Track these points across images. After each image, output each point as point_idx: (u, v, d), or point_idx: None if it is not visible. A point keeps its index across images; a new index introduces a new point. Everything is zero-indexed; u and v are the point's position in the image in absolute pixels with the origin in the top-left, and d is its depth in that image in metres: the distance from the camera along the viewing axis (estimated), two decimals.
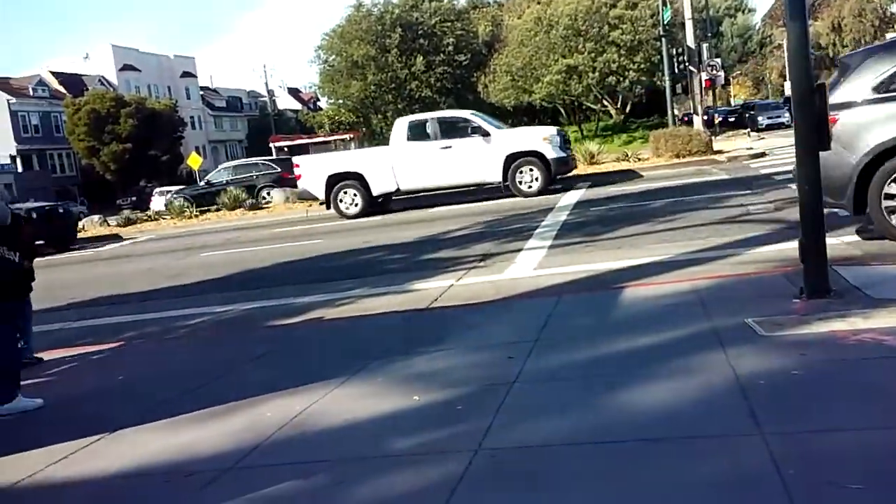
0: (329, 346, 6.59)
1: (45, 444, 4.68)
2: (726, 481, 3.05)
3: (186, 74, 79.78)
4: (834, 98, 7.00)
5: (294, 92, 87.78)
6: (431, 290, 8.74)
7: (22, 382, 5.78)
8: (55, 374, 6.78)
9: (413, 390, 4.77)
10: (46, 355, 7.29)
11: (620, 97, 40.87)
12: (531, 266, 9.44)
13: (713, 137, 25.93)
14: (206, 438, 4.45)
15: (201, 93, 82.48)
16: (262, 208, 24.99)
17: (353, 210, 18.85)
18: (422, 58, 44.05)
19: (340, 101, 47.89)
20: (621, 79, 37.79)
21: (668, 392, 4.11)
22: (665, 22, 28.67)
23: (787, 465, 3.05)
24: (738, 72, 68.20)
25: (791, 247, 7.71)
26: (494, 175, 18.04)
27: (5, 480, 4.19)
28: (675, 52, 28.35)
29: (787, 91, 55.31)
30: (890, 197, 7.24)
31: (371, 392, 4.92)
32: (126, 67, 72.20)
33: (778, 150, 23.20)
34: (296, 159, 20.76)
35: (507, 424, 3.98)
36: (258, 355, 6.39)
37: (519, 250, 10.62)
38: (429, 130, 18.22)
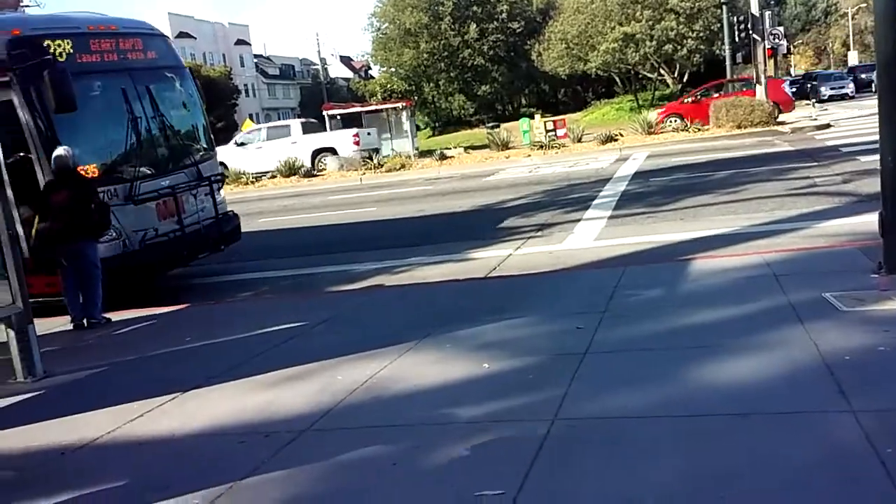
0: (392, 312, 6.59)
1: (121, 403, 4.78)
2: (823, 459, 2.97)
3: (240, 42, 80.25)
4: None
5: (346, 60, 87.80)
6: (489, 259, 8.70)
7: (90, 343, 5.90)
8: (124, 334, 6.92)
9: (482, 358, 4.74)
10: (113, 315, 7.45)
11: (678, 66, 39.96)
12: (591, 236, 9.33)
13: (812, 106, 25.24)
14: (278, 400, 4.50)
15: (255, 60, 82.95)
16: (316, 176, 25.11)
17: None
18: (475, 25, 43.59)
19: (393, 70, 47.77)
20: (679, 47, 36.94)
21: (749, 366, 4.02)
22: None
23: (883, 443, 2.95)
24: (800, 41, 66.10)
25: (862, 220, 7.50)
26: None
27: (84, 437, 4.30)
28: (735, 20, 27.55)
29: (852, 61, 53.11)
30: None
31: (439, 359, 4.91)
32: (182, 35, 72.80)
33: (843, 121, 22.47)
34: None
35: (584, 394, 3.93)
36: (323, 320, 6.44)
37: (577, 220, 10.50)
38: None
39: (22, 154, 7.54)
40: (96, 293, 7.25)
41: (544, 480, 3.09)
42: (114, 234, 7.81)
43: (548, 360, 4.60)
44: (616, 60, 38.41)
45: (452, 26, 43.87)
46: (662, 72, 40.63)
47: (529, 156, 23.02)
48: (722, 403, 3.60)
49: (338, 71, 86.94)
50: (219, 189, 9.50)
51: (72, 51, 7.72)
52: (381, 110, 30.83)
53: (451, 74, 44.85)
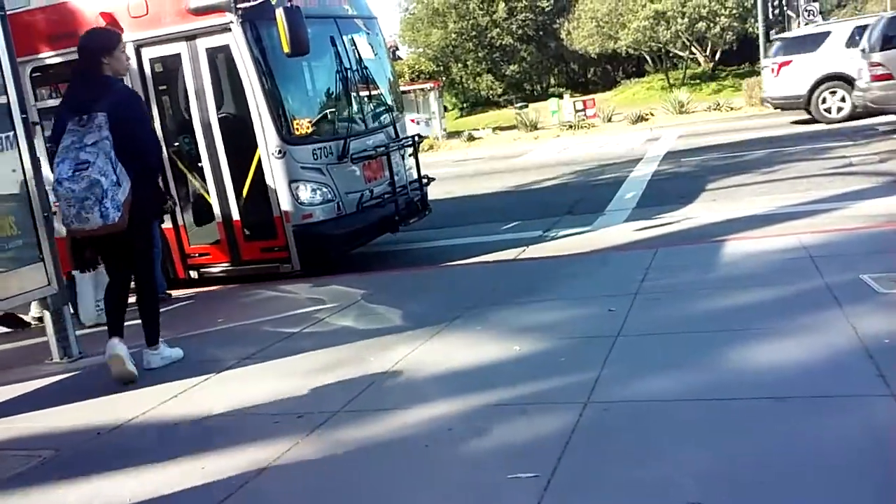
0: (420, 293, 6.59)
1: (156, 383, 4.84)
2: (861, 443, 2.93)
3: None
4: None
5: None
6: (518, 240, 8.66)
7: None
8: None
9: (512, 340, 4.73)
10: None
11: (709, 44, 39.34)
12: (622, 217, 9.25)
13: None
14: (310, 382, 4.51)
15: None
16: None
17: None
18: (503, 4, 43.18)
19: (420, 50, 47.55)
20: (712, 25, 36.32)
21: (785, 349, 3.96)
22: None
23: None
24: (835, 17, 64.79)
25: None
26: None
27: (120, 417, 4.36)
28: None
29: None
30: None
31: (470, 341, 4.90)
32: None
33: None
34: None
35: (616, 378, 3.90)
36: (351, 302, 6.45)
37: (608, 201, 10.41)
38: None
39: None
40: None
41: (577, 463, 3.08)
42: (328, 196, 7.59)
43: (579, 343, 4.58)
44: (647, 39, 37.86)
45: (481, 5, 43.50)
46: (694, 50, 40.02)
47: (559, 136, 22.86)
48: (757, 387, 3.55)
49: None
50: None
51: None
52: (409, 91, 30.75)
53: (480, 54, 44.51)
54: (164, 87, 7.93)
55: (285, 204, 7.38)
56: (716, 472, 2.86)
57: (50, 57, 7.83)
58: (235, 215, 7.63)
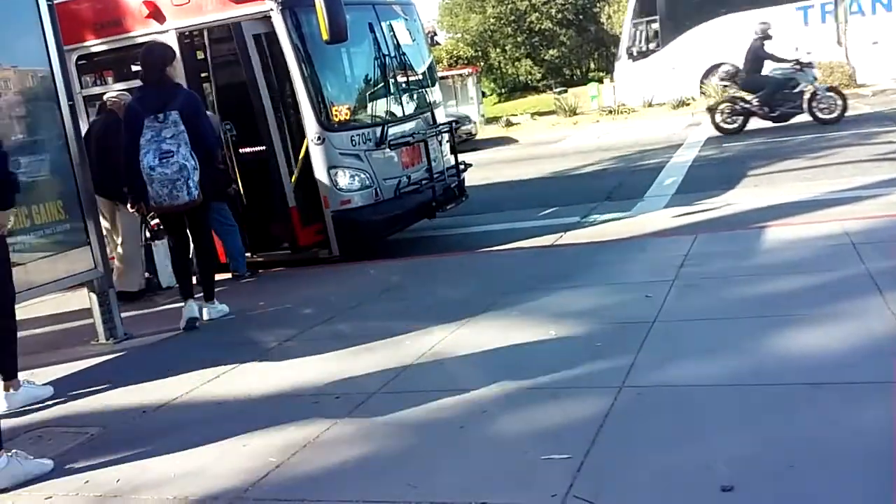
0: (457, 279, 6.63)
1: (198, 365, 4.95)
2: None
3: None
4: None
5: None
6: (556, 226, 8.65)
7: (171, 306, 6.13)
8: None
9: (548, 325, 4.75)
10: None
11: None
12: (661, 203, 9.18)
13: None
14: (347, 364, 4.60)
15: None
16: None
17: None
18: None
19: (459, 36, 47.38)
20: None
21: (824, 336, 3.93)
22: None
23: None
24: None
25: None
26: None
27: (164, 397, 4.48)
28: None
29: None
30: None
31: (505, 325, 4.93)
32: None
33: None
34: None
35: (652, 363, 3.91)
36: (388, 287, 6.52)
37: (647, 187, 10.34)
38: None
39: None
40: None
41: (611, 446, 3.10)
42: (367, 182, 7.68)
43: (615, 328, 4.58)
44: None
45: None
46: None
47: (598, 121, 22.65)
48: (794, 373, 3.53)
49: None
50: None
51: None
52: (447, 77, 30.68)
53: (518, 39, 44.20)
54: (206, 74, 8.05)
55: (324, 190, 7.46)
56: (750, 457, 2.86)
57: (95, 45, 7.99)
58: (292, 202, 7.72)
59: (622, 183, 11.14)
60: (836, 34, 22.53)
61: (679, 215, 8.23)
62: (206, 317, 6.09)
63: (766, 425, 3.11)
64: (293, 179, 7.59)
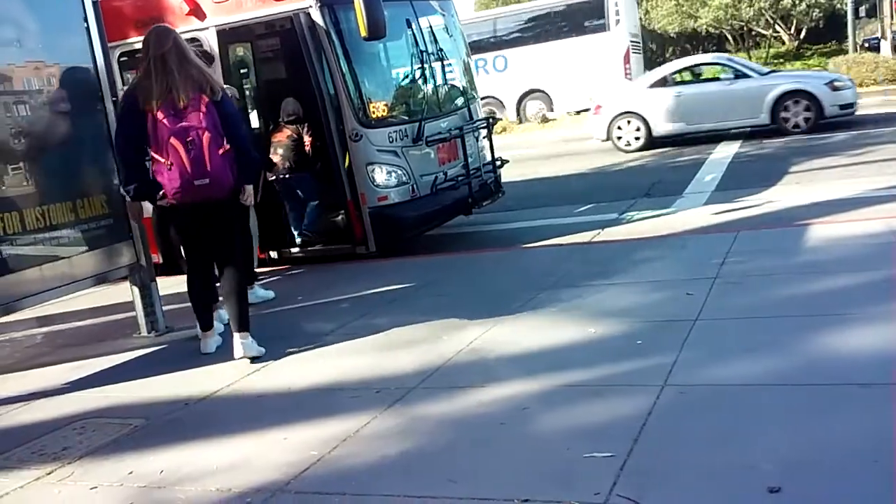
0: (494, 275, 6.61)
1: (237, 359, 4.99)
2: None
3: None
4: None
5: None
6: (593, 223, 8.58)
7: None
8: None
9: (588, 322, 4.71)
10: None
11: (794, 21, 37.96)
12: (700, 200, 9.07)
13: None
14: (386, 359, 4.61)
15: None
16: None
17: None
18: None
19: None
20: (798, 1, 35.09)
21: (869, 335, 3.85)
22: None
23: None
24: None
25: None
26: None
27: (205, 389, 4.53)
28: None
29: None
30: None
31: (544, 322, 4.90)
32: None
33: None
34: None
35: (694, 361, 3.86)
36: (425, 282, 6.52)
37: (686, 183, 10.22)
38: None
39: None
40: None
41: (655, 445, 3.07)
42: (403, 179, 7.68)
43: (657, 326, 4.53)
44: (728, 16, 36.79)
45: None
46: (778, 28, 38.71)
47: None
48: (840, 373, 3.47)
49: None
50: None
51: None
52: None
53: None
54: (245, 70, 8.11)
55: (361, 186, 7.49)
56: (797, 457, 2.82)
57: (137, 42, 8.08)
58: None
59: (661, 179, 11.02)
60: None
61: (719, 212, 8.12)
62: (255, 299, 6.25)
63: (813, 426, 3.06)
64: (344, 171, 7.58)
